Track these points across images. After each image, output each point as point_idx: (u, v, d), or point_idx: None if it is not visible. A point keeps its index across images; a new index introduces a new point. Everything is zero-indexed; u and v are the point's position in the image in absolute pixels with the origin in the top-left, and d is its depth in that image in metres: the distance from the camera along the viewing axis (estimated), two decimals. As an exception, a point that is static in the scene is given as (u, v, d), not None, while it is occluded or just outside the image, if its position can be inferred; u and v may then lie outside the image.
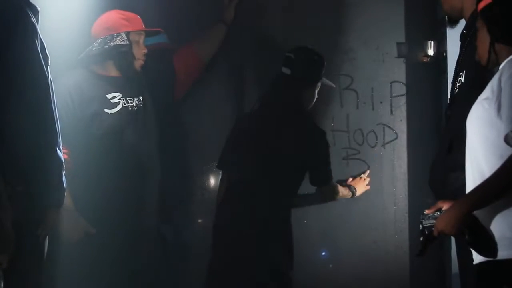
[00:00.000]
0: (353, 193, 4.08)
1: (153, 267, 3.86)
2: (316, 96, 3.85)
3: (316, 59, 3.83)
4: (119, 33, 3.74)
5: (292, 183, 3.77)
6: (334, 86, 4.02)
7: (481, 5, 2.60)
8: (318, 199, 3.96)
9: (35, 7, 2.69)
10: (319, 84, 3.84)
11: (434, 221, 2.60)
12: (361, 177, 4.15)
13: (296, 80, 3.76)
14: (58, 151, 2.70)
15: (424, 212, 2.68)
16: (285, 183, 3.72)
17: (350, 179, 4.14)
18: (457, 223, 2.49)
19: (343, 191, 4.00)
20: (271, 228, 3.65)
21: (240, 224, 3.65)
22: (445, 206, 2.65)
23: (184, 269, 4.18)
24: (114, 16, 3.78)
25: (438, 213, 2.63)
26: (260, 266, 3.62)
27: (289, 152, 3.71)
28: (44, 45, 2.68)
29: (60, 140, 2.72)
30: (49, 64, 2.70)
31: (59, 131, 2.71)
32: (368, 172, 4.17)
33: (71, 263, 3.61)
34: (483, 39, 2.61)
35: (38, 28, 2.65)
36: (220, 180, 3.96)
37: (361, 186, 4.13)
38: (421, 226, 2.68)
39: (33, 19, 2.63)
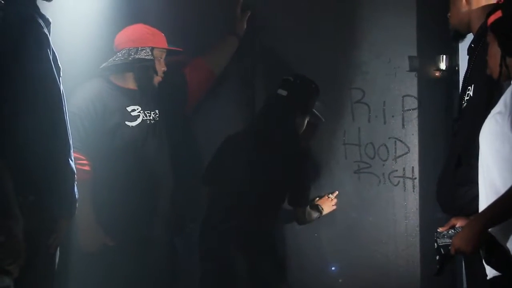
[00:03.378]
0: (320, 212, 4.07)
1: (164, 278, 3.87)
2: (304, 126, 3.91)
3: (313, 87, 3.91)
4: (144, 47, 3.76)
5: (275, 200, 3.84)
6: (324, 120, 4.06)
7: (491, 19, 2.59)
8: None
9: (47, 18, 2.71)
10: (309, 114, 3.91)
11: (450, 240, 2.59)
12: (328, 197, 4.14)
13: (290, 103, 3.84)
14: (70, 161, 2.70)
15: (438, 230, 2.67)
16: (267, 200, 3.79)
17: (317, 198, 4.13)
18: (474, 241, 2.48)
19: (312, 213, 4.01)
20: (255, 242, 3.73)
21: (223, 239, 3.75)
22: (458, 223, 2.64)
23: (195, 280, 4.17)
24: (140, 29, 3.81)
25: (453, 231, 2.62)
26: (247, 279, 3.68)
27: (272, 171, 3.77)
28: (56, 56, 2.69)
29: (72, 150, 2.73)
30: (61, 75, 2.71)
31: (71, 141, 2.72)
32: (336, 193, 4.15)
33: (83, 272, 3.63)
34: (494, 53, 2.60)
35: (50, 39, 2.67)
36: (206, 195, 4.01)
37: (328, 205, 4.12)
38: (436, 244, 2.67)
39: (45, 30, 2.65)
